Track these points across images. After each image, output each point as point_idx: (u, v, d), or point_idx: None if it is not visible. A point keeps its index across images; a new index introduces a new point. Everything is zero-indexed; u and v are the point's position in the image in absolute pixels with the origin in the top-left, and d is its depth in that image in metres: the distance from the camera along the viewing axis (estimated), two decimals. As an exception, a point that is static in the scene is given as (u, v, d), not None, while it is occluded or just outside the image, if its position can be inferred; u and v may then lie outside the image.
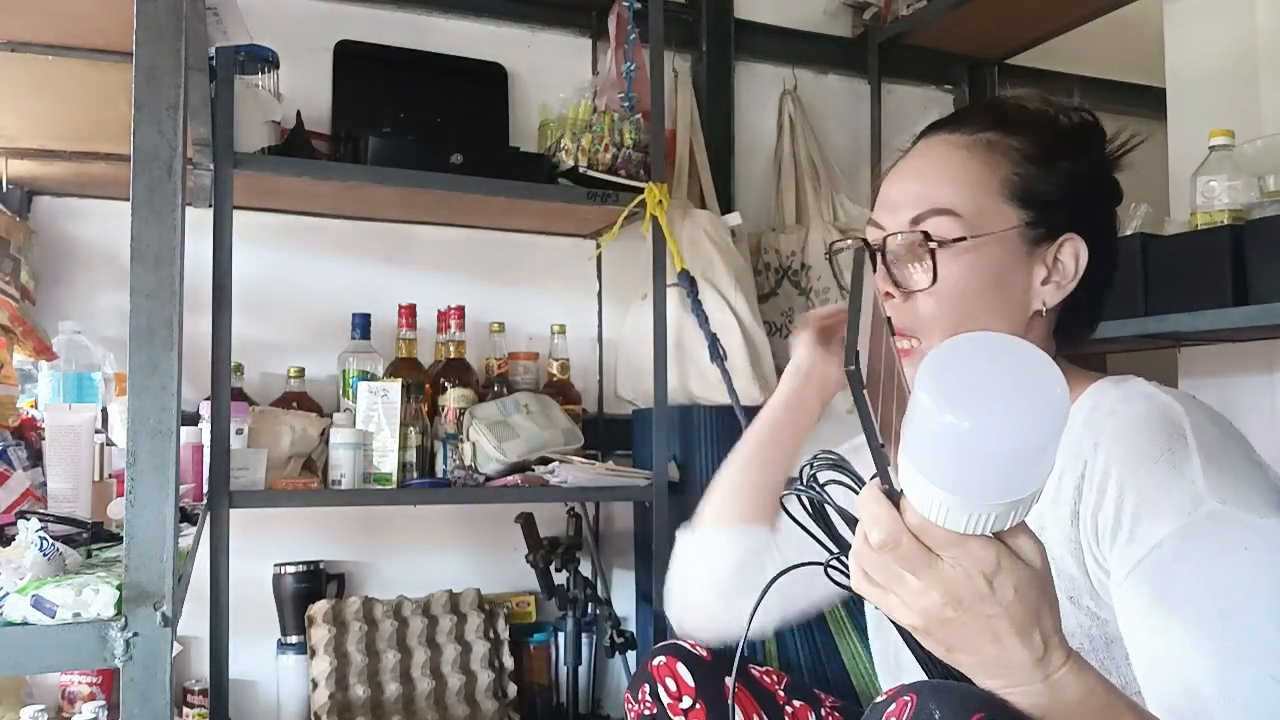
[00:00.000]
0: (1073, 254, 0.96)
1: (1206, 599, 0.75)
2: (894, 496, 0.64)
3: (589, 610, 2.17)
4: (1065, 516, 0.86)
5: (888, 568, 0.64)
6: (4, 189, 1.88)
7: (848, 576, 0.71)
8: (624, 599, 2.42)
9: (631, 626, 2.35)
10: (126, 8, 0.78)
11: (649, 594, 2.20)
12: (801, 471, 0.73)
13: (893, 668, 1.07)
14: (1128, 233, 1.88)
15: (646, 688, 1.14)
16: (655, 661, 1.15)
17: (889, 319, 0.80)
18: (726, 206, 2.49)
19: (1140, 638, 0.79)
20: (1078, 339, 1.02)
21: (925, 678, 0.72)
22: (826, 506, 0.73)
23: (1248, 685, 0.72)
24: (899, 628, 0.70)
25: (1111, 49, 2.93)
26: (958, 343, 0.63)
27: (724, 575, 1.16)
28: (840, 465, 0.71)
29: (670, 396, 2.16)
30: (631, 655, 2.23)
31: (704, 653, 1.15)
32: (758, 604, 0.86)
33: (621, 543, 2.46)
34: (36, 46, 1.29)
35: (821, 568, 0.75)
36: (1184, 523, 0.78)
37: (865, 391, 0.63)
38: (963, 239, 0.92)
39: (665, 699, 1.12)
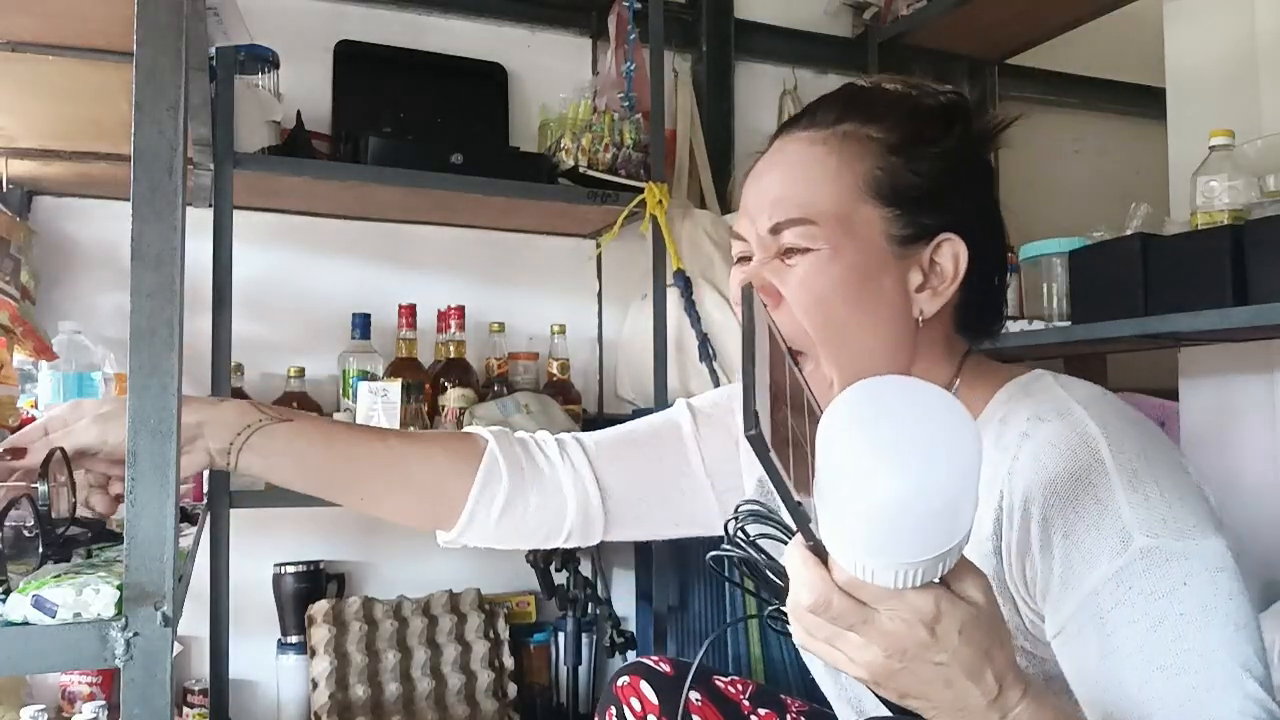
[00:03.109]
0: (951, 256, 0.87)
1: (1154, 646, 0.72)
2: (820, 552, 0.61)
3: (589, 610, 2.17)
4: (988, 554, 0.82)
5: (825, 626, 0.62)
6: (4, 189, 1.88)
7: (785, 629, 0.69)
8: (624, 599, 2.42)
9: (631, 626, 2.35)
10: (126, 8, 0.78)
11: (649, 594, 2.20)
12: (727, 525, 0.69)
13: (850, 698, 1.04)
14: (1127, 232, 1.88)
15: (613, 710, 1.12)
16: (620, 682, 1.13)
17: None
18: (726, 206, 2.49)
19: (1092, 695, 0.75)
20: (985, 334, 0.95)
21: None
22: (759, 564, 0.69)
23: None
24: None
25: (1111, 49, 2.93)
26: (854, 396, 0.59)
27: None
28: (765, 515, 0.67)
29: (670, 396, 2.16)
30: (631, 655, 2.23)
31: (666, 668, 1.13)
32: (707, 645, 0.85)
33: (621, 543, 2.46)
34: (36, 46, 1.29)
35: (764, 620, 0.71)
36: (1116, 567, 0.74)
37: (771, 452, 0.58)
38: (821, 249, 0.85)
39: (630, 719, 1.12)
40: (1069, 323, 1.92)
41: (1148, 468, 0.77)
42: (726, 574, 0.72)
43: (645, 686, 1.11)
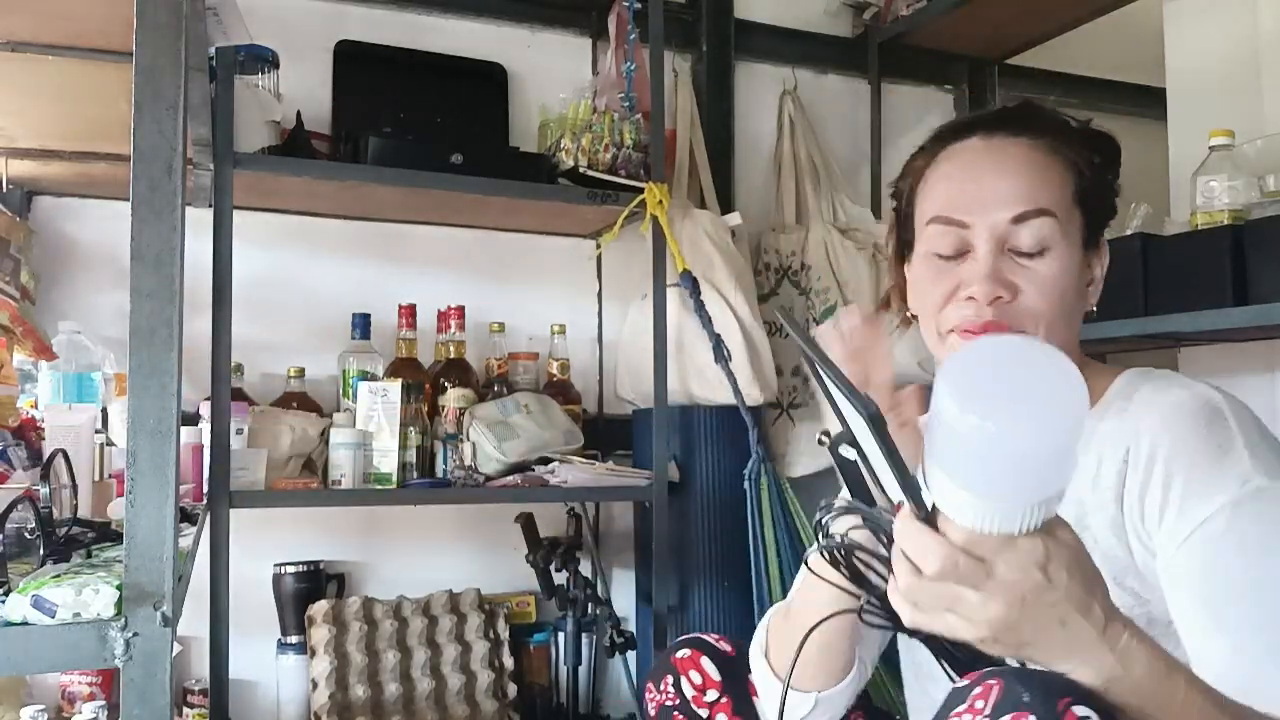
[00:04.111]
0: (1100, 260, 1.02)
1: (1258, 569, 0.79)
2: (930, 521, 0.65)
3: (589, 610, 2.17)
4: (1110, 501, 0.89)
5: (944, 592, 0.65)
6: (4, 189, 1.88)
7: (883, 618, 0.73)
8: (624, 599, 2.42)
9: (631, 626, 2.35)
10: (126, 8, 0.78)
11: (649, 594, 2.20)
12: (816, 527, 0.75)
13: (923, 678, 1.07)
14: (1128, 232, 1.88)
15: (670, 678, 1.14)
16: (679, 654, 1.16)
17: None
18: (726, 206, 2.49)
19: (1190, 610, 0.81)
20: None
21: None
22: (854, 554, 0.74)
23: None
24: (936, 648, 0.72)
25: (1111, 49, 2.93)
26: (975, 347, 0.65)
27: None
28: (851, 509, 0.72)
29: (670, 396, 2.16)
30: (631, 655, 2.24)
31: (728, 648, 1.16)
32: (795, 658, 0.88)
33: (621, 543, 2.46)
34: (36, 46, 1.29)
35: (858, 614, 0.76)
36: (1233, 497, 0.81)
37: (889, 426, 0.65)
38: (1057, 248, 0.95)
39: (689, 690, 1.13)
40: (1069, 323, 1.91)
41: (1262, 431, 0.87)
42: (817, 573, 0.77)
43: (706, 662, 1.14)
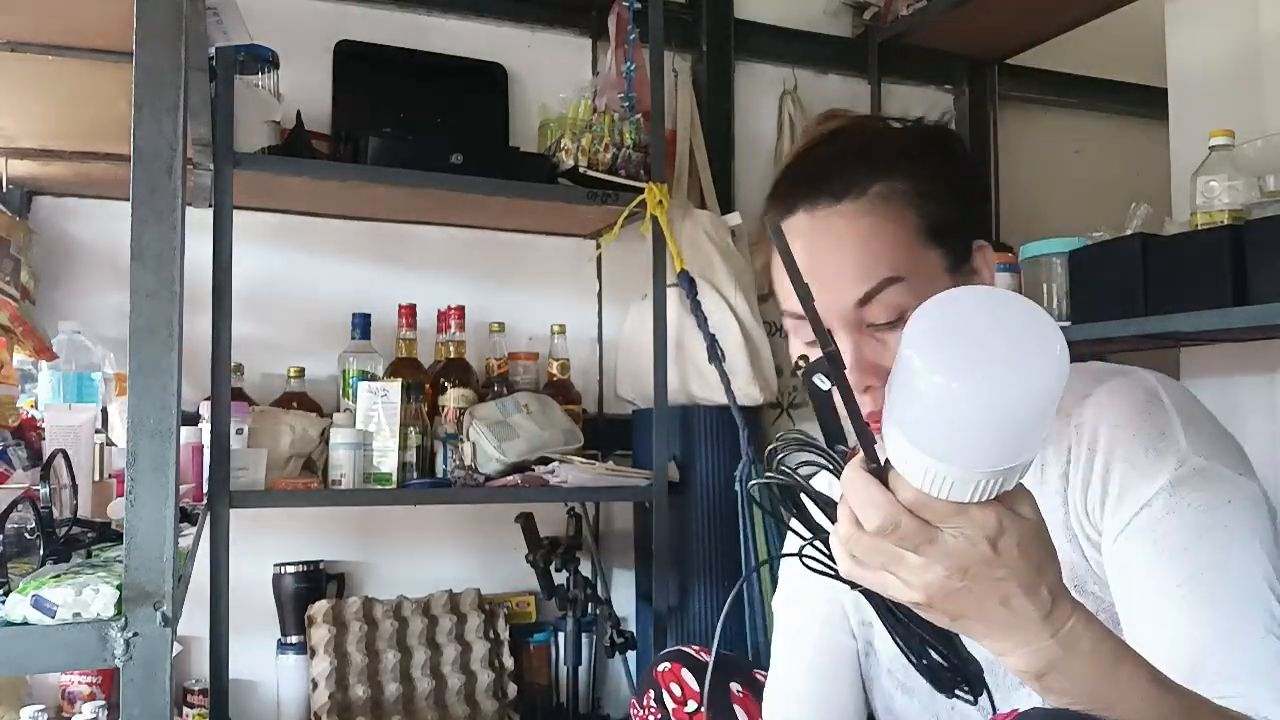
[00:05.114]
0: (984, 260, 0.93)
1: (1199, 550, 0.77)
2: (880, 474, 0.61)
3: (589, 610, 2.17)
4: (1059, 505, 0.87)
5: (883, 549, 0.62)
6: (4, 189, 1.88)
7: (824, 563, 0.68)
8: (624, 599, 2.42)
9: (631, 626, 2.35)
10: (126, 8, 0.78)
11: (649, 594, 2.20)
12: (768, 455, 0.70)
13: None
14: (1128, 232, 1.88)
15: (651, 694, 1.15)
16: (660, 668, 1.16)
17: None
18: (726, 206, 2.49)
19: (1135, 597, 0.80)
20: None
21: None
22: (807, 492, 0.69)
23: (1246, 641, 0.74)
24: (876, 603, 0.68)
25: (1111, 49, 2.93)
26: (948, 299, 0.59)
27: None
28: (807, 444, 0.67)
29: (670, 396, 2.16)
30: (631, 655, 2.24)
31: (708, 658, 1.15)
32: (726, 609, 0.86)
33: (621, 543, 2.46)
34: (36, 46, 1.29)
35: (798, 556, 0.71)
36: (1170, 478, 0.80)
37: (846, 370, 0.62)
38: (914, 296, 0.86)
39: (670, 704, 1.13)
40: (1069, 323, 1.92)
41: (1200, 413, 0.85)
42: (762, 504, 0.73)
43: (686, 674, 1.13)
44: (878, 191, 0.89)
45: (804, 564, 0.71)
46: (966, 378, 0.55)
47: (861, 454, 0.63)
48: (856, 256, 0.87)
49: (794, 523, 0.71)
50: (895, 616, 0.69)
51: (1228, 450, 0.83)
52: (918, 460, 0.58)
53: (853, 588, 0.67)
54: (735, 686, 1.15)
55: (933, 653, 0.70)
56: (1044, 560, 0.63)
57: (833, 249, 0.89)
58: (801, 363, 0.74)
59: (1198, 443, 0.82)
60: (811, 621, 1.09)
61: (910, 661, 0.71)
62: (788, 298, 0.91)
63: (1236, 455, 0.83)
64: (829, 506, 0.67)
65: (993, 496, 0.60)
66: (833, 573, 0.68)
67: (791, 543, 0.73)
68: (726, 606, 0.88)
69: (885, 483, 0.61)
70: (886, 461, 0.62)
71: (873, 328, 0.87)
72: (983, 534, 0.60)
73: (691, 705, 1.12)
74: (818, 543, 0.70)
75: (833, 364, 0.63)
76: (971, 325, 0.57)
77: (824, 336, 0.63)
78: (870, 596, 0.68)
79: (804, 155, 0.94)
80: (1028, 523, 0.62)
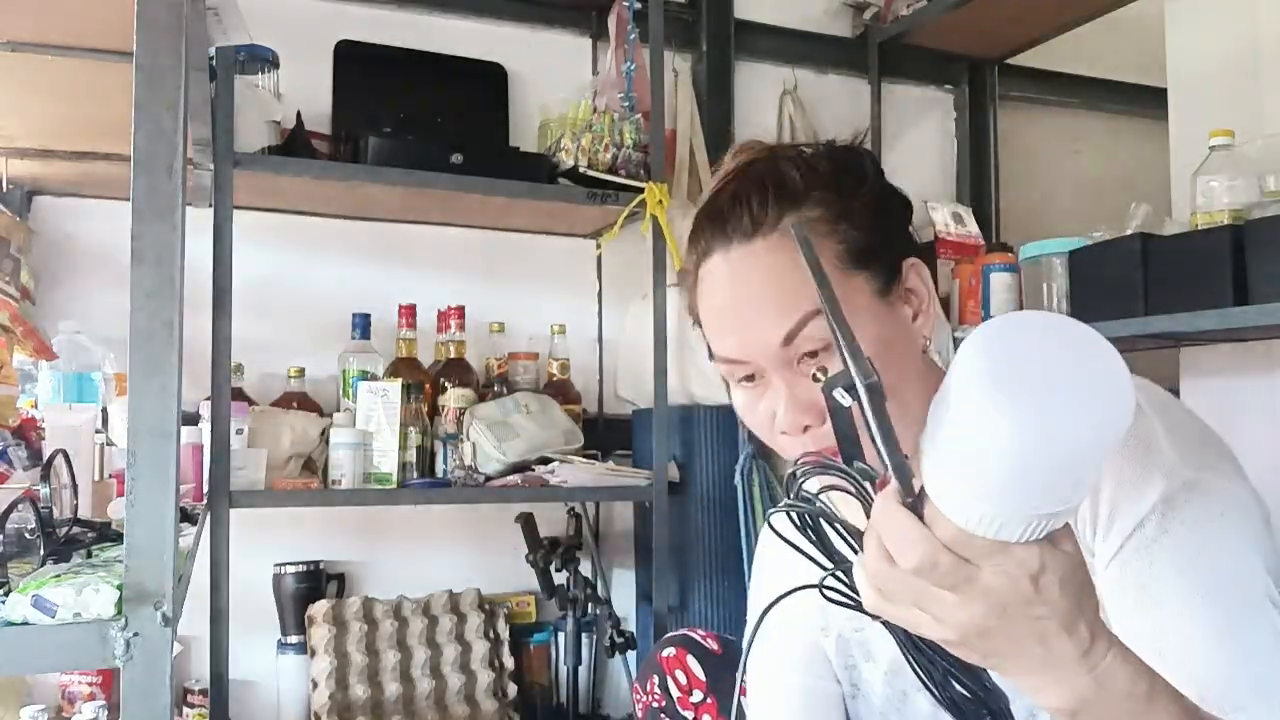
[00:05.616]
0: (917, 277, 0.90)
1: (1195, 572, 0.76)
2: (915, 507, 0.57)
3: (589, 610, 2.17)
4: None
5: (915, 586, 0.58)
6: (4, 189, 1.88)
7: (846, 596, 0.65)
8: (624, 599, 2.42)
9: (631, 626, 2.35)
10: (126, 8, 0.78)
11: (649, 594, 2.20)
12: (787, 481, 0.66)
13: None
14: (1127, 232, 1.88)
15: (655, 679, 1.13)
16: (665, 653, 1.14)
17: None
18: (726, 206, 2.48)
19: (1132, 623, 0.77)
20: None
21: None
22: (823, 521, 0.65)
23: (1249, 661, 0.73)
24: (897, 634, 0.65)
25: (1111, 49, 2.93)
26: (1005, 326, 0.54)
27: None
28: (830, 467, 0.64)
29: (670, 396, 2.16)
30: (631, 655, 2.23)
31: (715, 645, 1.14)
32: (756, 625, 0.78)
33: (621, 543, 2.46)
34: (36, 46, 1.29)
35: (818, 588, 0.66)
36: (1160, 495, 0.77)
37: (886, 401, 0.57)
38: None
39: (675, 692, 1.11)
40: (1069, 323, 1.91)
41: (1183, 419, 0.83)
42: (782, 535, 0.68)
43: (693, 661, 1.11)
44: (790, 224, 0.86)
45: (823, 595, 0.67)
46: (1026, 417, 0.51)
47: (895, 484, 0.59)
48: (775, 294, 0.84)
49: (813, 550, 0.67)
50: (918, 647, 0.65)
51: (1218, 457, 0.81)
52: (961, 497, 0.55)
53: (874, 619, 0.63)
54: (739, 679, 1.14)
55: (956, 685, 0.66)
56: (1083, 596, 0.60)
57: (751, 290, 0.86)
58: (819, 375, 0.70)
59: (1184, 451, 0.79)
60: (793, 674, 1.05)
61: (932, 694, 0.68)
62: (719, 342, 0.89)
63: (1227, 462, 0.81)
64: (854, 535, 0.63)
65: (1041, 536, 0.56)
66: (854, 604, 0.64)
67: (804, 573, 0.68)
68: (749, 640, 0.83)
69: (920, 516, 0.58)
70: (921, 489, 0.58)
71: (806, 356, 0.84)
72: (1024, 571, 0.57)
73: (697, 695, 1.11)
74: (838, 573, 0.65)
75: (873, 395, 0.58)
76: (1035, 358, 0.53)
77: (863, 366, 0.59)
78: (892, 628, 0.65)
79: (716, 194, 0.90)
80: (1069, 558, 0.58)
